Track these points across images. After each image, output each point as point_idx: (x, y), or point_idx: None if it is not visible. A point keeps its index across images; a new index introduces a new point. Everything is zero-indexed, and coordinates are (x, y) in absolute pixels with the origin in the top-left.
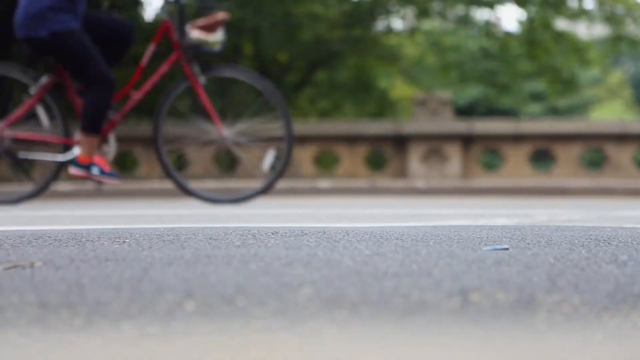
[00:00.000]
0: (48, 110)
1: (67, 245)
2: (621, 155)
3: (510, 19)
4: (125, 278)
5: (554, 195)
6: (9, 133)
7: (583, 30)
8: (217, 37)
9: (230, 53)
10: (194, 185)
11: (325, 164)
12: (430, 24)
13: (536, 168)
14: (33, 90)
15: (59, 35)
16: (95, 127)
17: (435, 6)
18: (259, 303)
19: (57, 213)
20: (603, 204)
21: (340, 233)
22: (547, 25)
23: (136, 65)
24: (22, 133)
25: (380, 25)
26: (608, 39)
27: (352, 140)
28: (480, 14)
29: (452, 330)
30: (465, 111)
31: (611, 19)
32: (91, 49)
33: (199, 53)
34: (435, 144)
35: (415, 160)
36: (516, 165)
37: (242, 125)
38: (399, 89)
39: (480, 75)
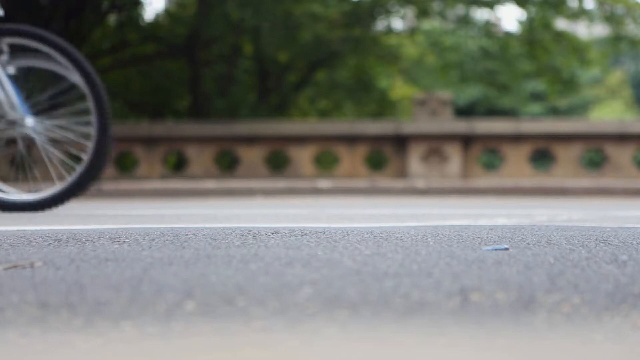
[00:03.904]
0: None
1: (67, 245)
2: (621, 155)
3: (510, 19)
4: (125, 278)
5: (554, 195)
6: None
7: (583, 30)
8: None
9: (230, 53)
10: (193, 184)
11: (325, 164)
12: (430, 24)
13: (536, 168)
14: None
15: None
16: None
17: (435, 6)
18: (259, 303)
19: (57, 213)
20: (603, 204)
21: (340, 233)
22: (547, 25)
23: (135, 66)
24: None
25: (380, 25)
26: (608, 39)
27: (352, 140)
28: (480, 14)
29: (452, 330)
30: (465, 111)
31: (611, 19)
32: None
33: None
34: (435, 144)
35: (415, 160)
36: (516, 165)
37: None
38: (399, 89)
39: (480, 75)
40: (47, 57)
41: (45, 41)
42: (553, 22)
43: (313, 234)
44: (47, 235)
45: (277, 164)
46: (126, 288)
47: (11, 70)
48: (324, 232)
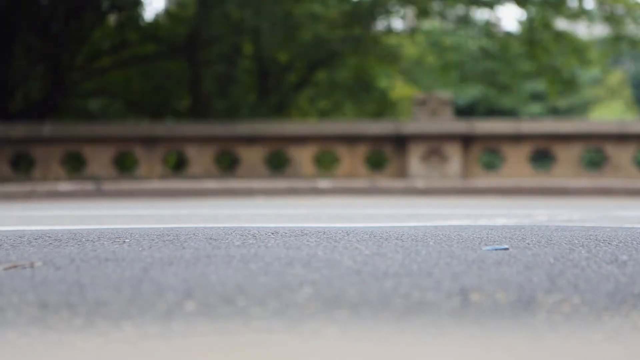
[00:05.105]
0: None
1: (67, 245)
2: (621, 155)
3: (510, 19)
4: (125, 278)
5: (554, 195)
6: None
7: (583, 30)
8: None
9: (230, 53)
10: (193, 184)
11: (325, 164)
12: (430, 24)
13: (536, 168)
14: None
15: None
16: None
17: (435, 6)
18: (259, 303)
19: (57, 213)
20: (603, 204)
21: (340, 233)
22: (547, 25)
23: (135, 66)
24: None
25: (380, 25)
26: (608, 39)
27: (352, 140)
28: (480, 14)
29: (452, 330)
30: (465, 111)
31: (611, 19)
32: None
33: None
34: (435, 144)
35: (415, 160)
36: (516, 165)
37: None
38: (399, 89)
39: (480, 75)
40: None
41: None
42: (553, 22)
43: (313, 234)
44: (47, 235)
45: (277, 164)
46: (126, 288)
47: None
48: (324, 232)
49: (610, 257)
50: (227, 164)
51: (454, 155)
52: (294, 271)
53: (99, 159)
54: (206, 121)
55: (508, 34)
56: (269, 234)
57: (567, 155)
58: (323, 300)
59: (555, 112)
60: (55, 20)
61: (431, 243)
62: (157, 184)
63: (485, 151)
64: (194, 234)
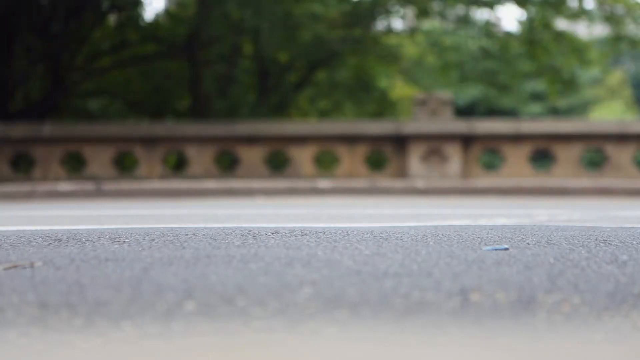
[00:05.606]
0: None
1: (67, 245)
2: (621, 155)
3: (510, 19)
4: (125, 278)
5: (554, 195)
6: None
7: (583, 30)
8: None
9: (230, 53)
10: (193, 184)
11: (325, 164)
12: (430, 24)
13: (536, 168)
14: None
15: None
16: None
17: (435, 6)
18: (259, 303)
19: (57, 213)
20: (603, 204)
21: (340, 233)
22: (547, 25)
23: (135, 66)
24: None
25: (380, 25)
26: (608, 39)
27: (352, 140)
28: (480, 14)
29: (452, 330)
30: (465, 111)
31: (611, 19)
32: None
33: None
34: (435, 144)
35: (415, 160)
36: (516, 165)
37: None
38: (399, 89)
39: (480, 75)
40: None
41: None
42: (553, 22)
43: (313, 234)
44: (47, 235)
45: (277, 164)
46: (126, 288)
47: None
48: (324, 232)
49: (610, 257)
50: (227, 164)
51: (454, 155)
52: (294, 271)
53: (99, 159)
54: (206, 121)
55: (508, 34)
56: (269, 234)
57: (567, 155)
58: (323, 300)
59: (555, 112)
60: (55, 20)
61: (431, 243)
62: (157, 184)
63: (485, 151)
64: (194, 234)
